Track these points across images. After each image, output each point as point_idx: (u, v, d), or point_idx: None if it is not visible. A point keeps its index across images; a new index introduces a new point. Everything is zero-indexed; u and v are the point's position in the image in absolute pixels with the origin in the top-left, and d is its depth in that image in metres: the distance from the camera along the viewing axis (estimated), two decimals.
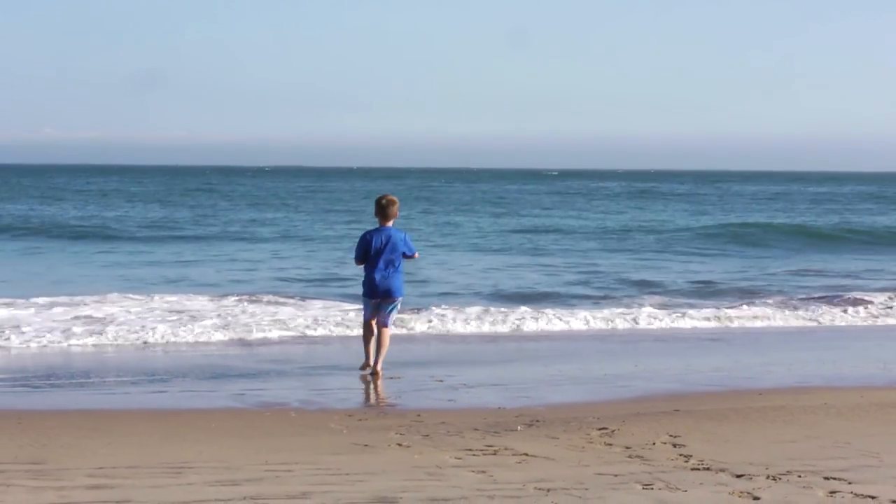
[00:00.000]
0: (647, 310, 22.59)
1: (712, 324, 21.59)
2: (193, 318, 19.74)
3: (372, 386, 14.25)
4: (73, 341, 17.52)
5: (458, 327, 20.03)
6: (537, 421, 11.29)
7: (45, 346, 17.19)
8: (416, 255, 15.31)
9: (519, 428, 10.88)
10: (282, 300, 22.98)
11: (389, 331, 15.22)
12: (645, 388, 13.89)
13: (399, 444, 10.09)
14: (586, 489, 8.12)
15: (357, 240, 15.37)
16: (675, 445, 9.97)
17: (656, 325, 21.21)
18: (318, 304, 22.63)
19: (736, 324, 21.65)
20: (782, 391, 13.57)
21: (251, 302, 22.48)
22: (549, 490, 8.08)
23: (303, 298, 23.50)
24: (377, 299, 15.09)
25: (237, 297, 23.09)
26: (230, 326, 19.07)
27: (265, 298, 23.13)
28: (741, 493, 8.04)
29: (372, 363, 14.97)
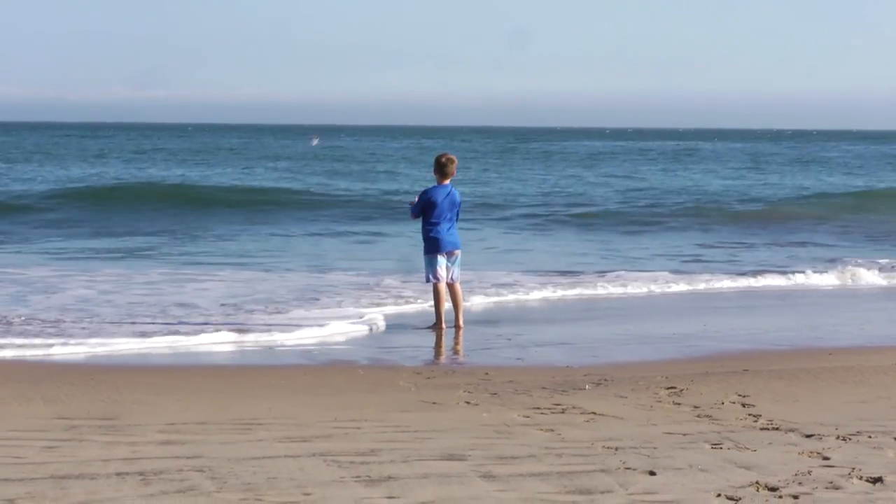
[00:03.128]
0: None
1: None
2: None
3: (453, 340, 14.60)
4: None
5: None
6: (605, 380, 11.27)
7: None
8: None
9: (587, 387, 10.87)
10: None
11: (460, 283, 15.72)
12: (713, 348, 13.84)
13: (467, 402, 10.11)
14: (655, 448, 8.11)
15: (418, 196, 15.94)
16: (744, 405, 9.93)
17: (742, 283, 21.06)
18: None
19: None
20: (853, 351, 13.47)
21: None
22: (617, 449, 8.07)
23: None
24: (445, 253, 15.53)
25: None
26: None
27: None
28: (811, 452, 7.99)
29: (445, 323, 15.29)
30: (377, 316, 15.83)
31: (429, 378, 11.57)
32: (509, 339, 14.30)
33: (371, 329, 15.08)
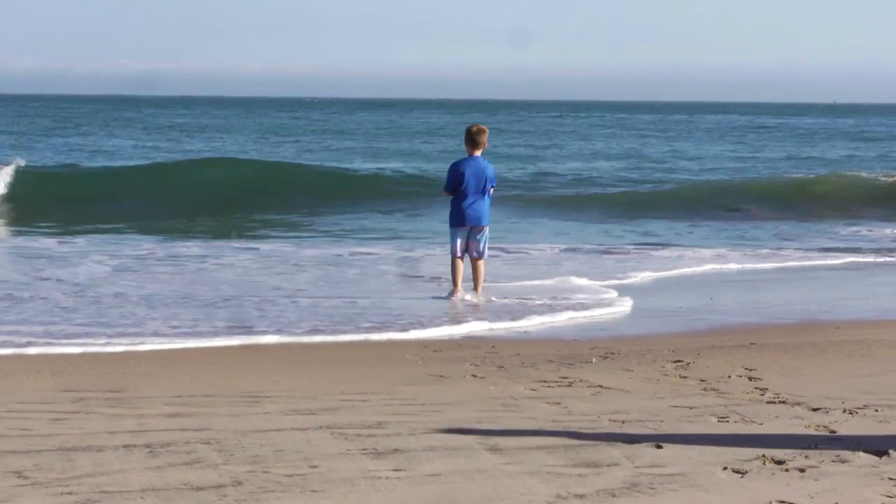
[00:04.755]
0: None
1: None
2: None
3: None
4: None
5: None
6: (612, 353, 11.28)
7: None
8: (492, 190, 15.51)
9: (594, 360, 10.88)
10: None
11: (484, 260, 15.48)
12: (720, 322, 13.84)
13: (474, 376, 10.12)
14: (661, 421, 8.12)
15: (448, 169, 15.60)
16: (750, 379, 9.93)
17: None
18: None
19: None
20: (860, 325, 13.47)
21: None
22: (623, 422, 8.08)
23: None
24: (466, 227, 15.30)
25: None
26: None
27: None
28: (817, 426, 8.00)
29: (462, 292, 15.12)
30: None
31: (435, 351, 11.58)
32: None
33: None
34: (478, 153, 15.35)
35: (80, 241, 21.93)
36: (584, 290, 16.06)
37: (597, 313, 14.33)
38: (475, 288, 15.28)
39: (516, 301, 14.87)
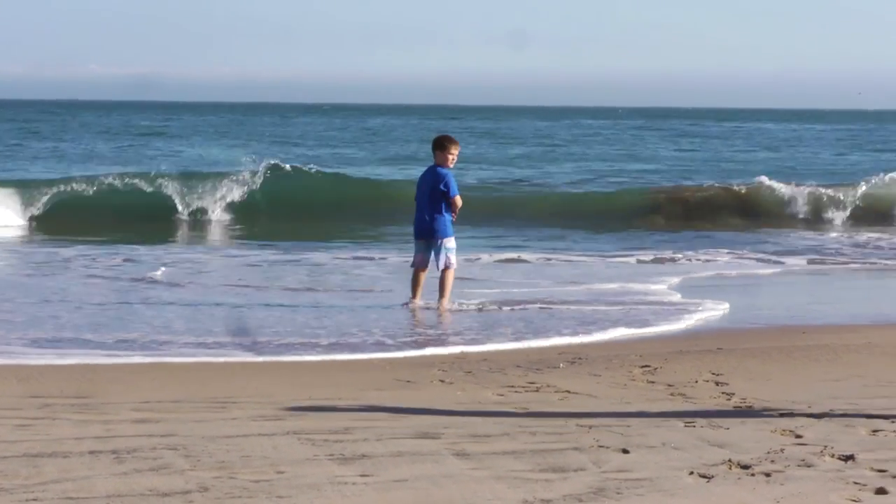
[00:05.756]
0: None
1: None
2: None
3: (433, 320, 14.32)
4: None
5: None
6: (579, 358, 11.29)
7: None
8: (457, 198, 14.93)
9: (561, 365, 10.89)
10: None
11: (449, 271, 14.98)
12: (687, 326, 13.88)
13: (441, 381, 10.12)
14: (628, 426, 8.13)
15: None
16: (717, 384, 9.96)
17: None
18: None
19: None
20: (826, 330, 13.52)
21: None
22: (590, 427, 8.09)
23: None
24: (422, 240, 15.01)
25: None
26: None
27: None
28: (784, 431, 8.03)
29: (418, 300, 14.94)
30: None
31: (403, 356, 11.58)
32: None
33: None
34: (439, 164, 14.97)
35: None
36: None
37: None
38: (441, 297, 14.89)
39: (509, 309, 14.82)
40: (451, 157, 15.01)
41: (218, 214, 30.19)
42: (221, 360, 11.34)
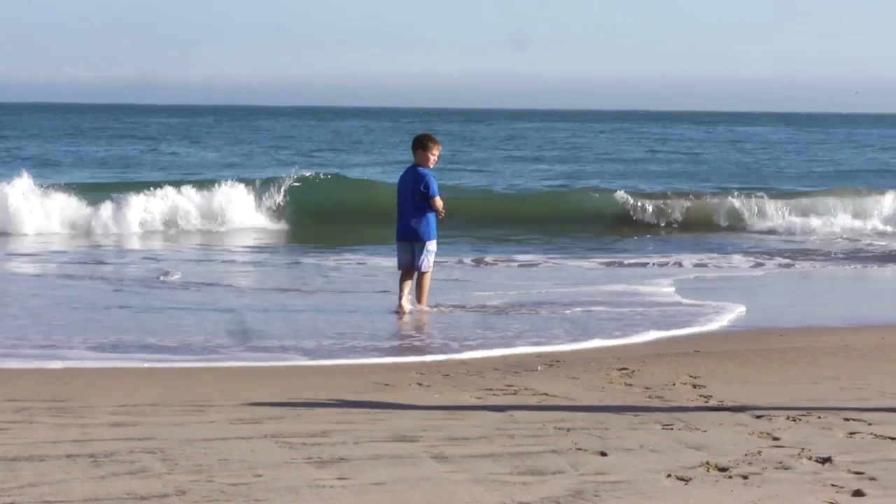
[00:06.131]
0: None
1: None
2: None
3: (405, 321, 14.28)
4: None
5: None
6: (557, 361, 11.30)
7: None
8: (437, 199, 14.78)
9: (539, 368, 10.90)
10: None
11: (426, 273, 14.90)
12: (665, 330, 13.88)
13: (419, 384, 10.11)
14: (606, 429, 8.14)
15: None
16: (694, 386, 9.98)
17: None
18: None
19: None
20: (803, 332, 13.56)
21: None
22: (568, 430, 8.10)
23: None
24: (406, 242, 14.84)
25: None
26: None
27: None
28: (761, 433, 8.05)
29: (405, 303, 14.78)
30: None
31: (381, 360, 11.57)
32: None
33: None
34: (419, 164, 14.80)
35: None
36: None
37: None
38: (418, 300, 14.82)
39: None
40: (432, 157, 14.84)
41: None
42: (198, 364, 11.31)
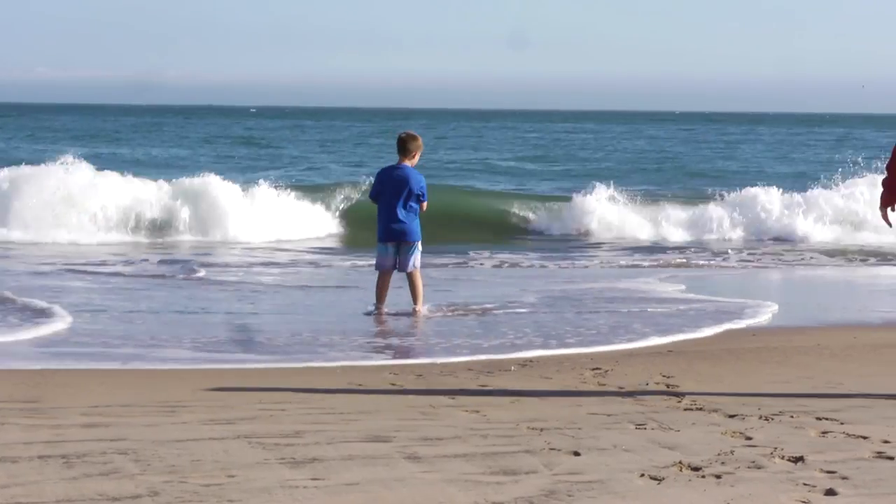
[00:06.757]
0: None
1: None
2: None
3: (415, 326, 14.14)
4: None
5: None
6: (530, 361, 11.31)
7: None
8: (425, 204, 14.66)
9: (512, 368, 10.90)
10: None
11: (416, 272, 14.69)
12: (638, 329, 13.90)
13: (393, 385, 10.11)
14: (579, 429, 8.15)
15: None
16: (668, 386, 10.00)
17: None
18: None
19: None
20: (776, 332, 13.60)
21: None
22: (541, 430, 8.10)
23: None
24: (393, 242, 14.60)
25: None
26: None
27: None
28: (734, 432, 8.06)
29: (385, 308, 14.63)
30: None
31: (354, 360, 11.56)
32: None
33: None
34: (406, 162, 14.52)
35: None
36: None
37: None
38: (414, 302, 14.64)
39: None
40: (417, 154, 14.67)
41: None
42: (169, 367, 11.28)
